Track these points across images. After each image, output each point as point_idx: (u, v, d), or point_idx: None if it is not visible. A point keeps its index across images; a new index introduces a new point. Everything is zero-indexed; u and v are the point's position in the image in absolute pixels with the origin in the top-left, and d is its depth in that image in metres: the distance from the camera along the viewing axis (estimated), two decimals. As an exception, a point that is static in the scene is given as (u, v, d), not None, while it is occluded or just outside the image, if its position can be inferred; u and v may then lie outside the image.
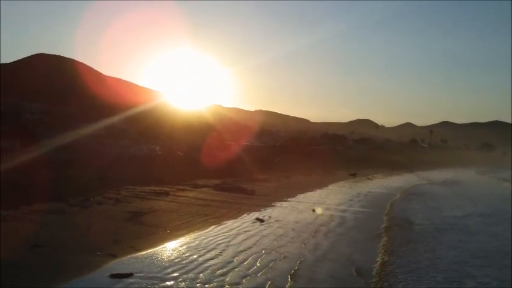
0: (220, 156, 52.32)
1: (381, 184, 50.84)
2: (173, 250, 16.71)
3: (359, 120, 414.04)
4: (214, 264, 15.04)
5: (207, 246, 17.40)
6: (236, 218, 23.77)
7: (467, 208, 31.91)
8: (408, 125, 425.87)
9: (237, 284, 13.32)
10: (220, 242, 18.31)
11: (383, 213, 28.67)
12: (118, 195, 26.20)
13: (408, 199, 36.98)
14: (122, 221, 20.45)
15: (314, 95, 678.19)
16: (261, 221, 23.15)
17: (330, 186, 43.56)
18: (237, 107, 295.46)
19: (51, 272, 13.30)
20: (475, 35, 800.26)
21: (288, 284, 13.60)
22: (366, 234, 21.82)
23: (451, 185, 54.10)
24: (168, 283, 13.06)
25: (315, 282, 14.01)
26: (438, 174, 73.35)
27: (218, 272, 14.21)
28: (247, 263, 15.41)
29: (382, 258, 17.00)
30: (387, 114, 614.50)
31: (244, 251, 17.07)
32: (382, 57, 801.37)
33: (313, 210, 27.50)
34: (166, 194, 28.71)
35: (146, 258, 15.43)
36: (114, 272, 13.58)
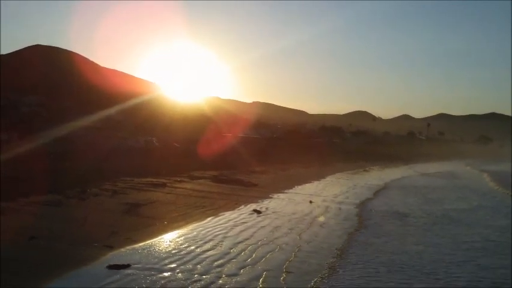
0: (217, 148, 52.32)
1: (377, 176, 51.05)
2: (170, 241, 16.79)
3: (356, 112, 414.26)
4: (211, 256, 15.13)
5: (205, 238, 17.48)
6: (233, 209, 23.84)
7: (444, 196, 35.23)
8: (405, 117, 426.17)
9: (234, 275, 13.42)
10: (217, 233, 18.38)
11: (377, 205, 28.90)
12: (115, 187, 26.19)
13: (400, 191, 37.42)
14: (119, 212, 20.48)
15: (312, 88, 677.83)
16: (258, 212, 23.24)
17: (328, 178, 43.67)
18: (234, 99, 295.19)
19: (50, 263, 13.37)
20: (472, 27, 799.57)
21: (283, 275, 13.73)
22: (361, 225, 21.99)
23: (439, 176, 56.37)
24: (166, 274, 13.13)
25: (309, 273, 14.13)
26: (432, 167, 73.76)
27: (215, 263, 14.31)
28: (244, 254, 15.52)
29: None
30: (385, 106, 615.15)
31: (241, 242, 17.16)
32: (380, 50, 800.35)
33: (311, 202, 27.62)
34: (164, 185, 28.71)
35: (143, 249, 15.50)
36: (112, 263, 13.64)
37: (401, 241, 18.92)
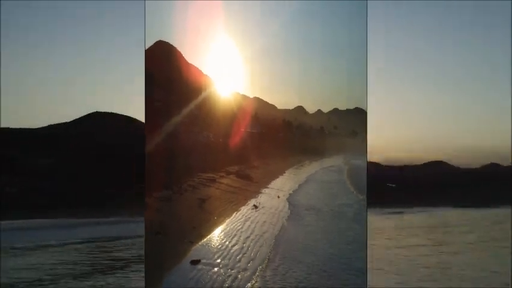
0: (236, 143, 44.15)
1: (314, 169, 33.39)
2: (218, 237, 13.13)
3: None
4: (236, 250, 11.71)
5: (231, 233, 13.49)
6: (244, 204, 18.27)
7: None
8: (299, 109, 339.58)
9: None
10: (241, 228, 14.06)
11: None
12: (193, 182, 19.18)
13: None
14: (195, 208, 15.94)
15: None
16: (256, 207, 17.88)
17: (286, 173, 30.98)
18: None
19: (165, 258, 10.67)
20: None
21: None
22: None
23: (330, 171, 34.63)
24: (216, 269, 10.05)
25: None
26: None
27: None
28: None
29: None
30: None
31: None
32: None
33: (278, 197, 20.93)
34: (213, 181, 22.43)
35: (206, 245, 12.23)
36: (193, 259, 10.80)
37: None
